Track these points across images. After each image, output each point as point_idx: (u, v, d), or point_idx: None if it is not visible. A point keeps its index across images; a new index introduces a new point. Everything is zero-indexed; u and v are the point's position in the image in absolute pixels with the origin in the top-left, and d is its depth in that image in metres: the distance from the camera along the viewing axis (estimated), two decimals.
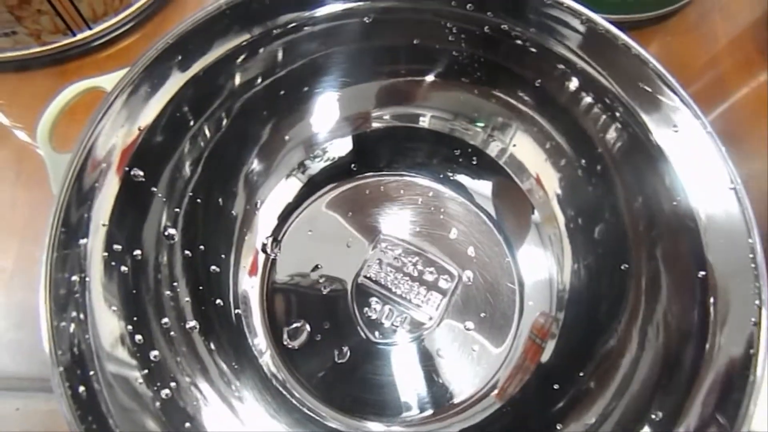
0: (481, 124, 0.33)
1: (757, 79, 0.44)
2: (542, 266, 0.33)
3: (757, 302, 0.23)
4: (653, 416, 0.24)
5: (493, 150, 0.34)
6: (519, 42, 0.30)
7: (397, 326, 0.32)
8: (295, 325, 0.32)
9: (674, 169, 0.27)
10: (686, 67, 0.43)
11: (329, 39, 0.30)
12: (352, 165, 0.35)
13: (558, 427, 0.27)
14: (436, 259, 0.33)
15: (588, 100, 0.29)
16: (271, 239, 0.33)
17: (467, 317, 0.32)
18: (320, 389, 0.31)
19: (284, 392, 0.30)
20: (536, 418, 0.28)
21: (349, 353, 0.31)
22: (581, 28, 0.28)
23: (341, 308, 0.32)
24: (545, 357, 0.30)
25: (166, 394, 0.25)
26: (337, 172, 0.35)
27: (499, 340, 0.32)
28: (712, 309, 0.24)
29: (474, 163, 0.35)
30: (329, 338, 0.32)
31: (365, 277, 0.33)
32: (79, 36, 0.40)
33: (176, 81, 0.26)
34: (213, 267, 0.31)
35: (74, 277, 0.23)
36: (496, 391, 0.30)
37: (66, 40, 0.39)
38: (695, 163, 0.26)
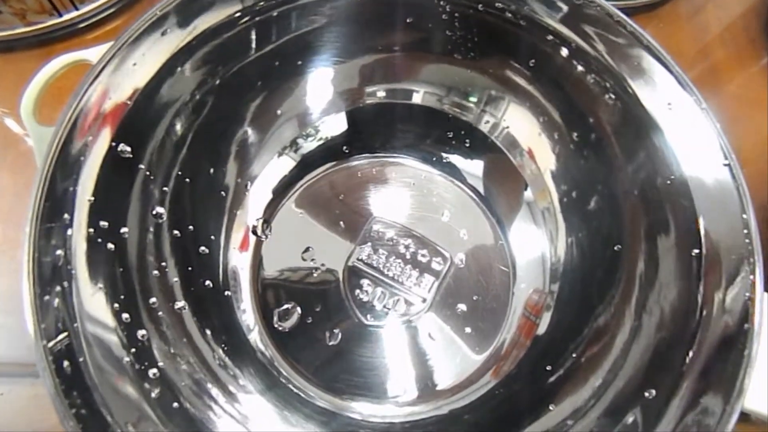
0: (474, 99, 0.33)
1: (748, 68, 0.44)
2: (535, 246, 0.33)
3: (751, 277, 0.23)
4: (647, 394, 0.24)
5: (485, 126, 0.34)
6: (513, 20, 0.29)
7: (389, 309, 0.32)
8: (285, 307, 0.31)
9: (669, 146, 0.27)
10: (679, 56, 0.43)
11: (322, 13, 0.30)
12: (344, 147, 0.35)
13: (551, 408, 0.27)
14: (428, 241, 0.33)
15: (583, 75, 0.29)
16: (261, 221, 0.33)
17: (460, 300, 0.32)
18: (312, 371, 0.30)
19: (276, 374, 0.30)
20: (528, 398, 0.28)
21: (340, 336, 0.31)
22: (577, 5, 0.28)
23: (333, 291, 0.32)
24: (540, 331, 0.30)
25: (154, 374, 0.25)
26: (329, 153, 0.34)
27: (492, 322, 0.32)
28: (706, 285, 0.24)
29: (467, 145, 0.35)
30: (320, 321, 0.31)
31: (357, 259, 0.33)
32: (66, 17, 0.39)
33: (164, 52, 0.26)
34: (202, 247, 0.30)
35: (59, 252, 0.23)
36: (491, 369, 0.30)
37: (52, 20, 0.39)
38: (690, 140, 0.26)
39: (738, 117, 0.42)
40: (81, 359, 0.21)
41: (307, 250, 0.33)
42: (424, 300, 0.32)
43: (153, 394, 0.24)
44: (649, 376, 0.24)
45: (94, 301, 0.23)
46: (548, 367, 0.29)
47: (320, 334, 0.31)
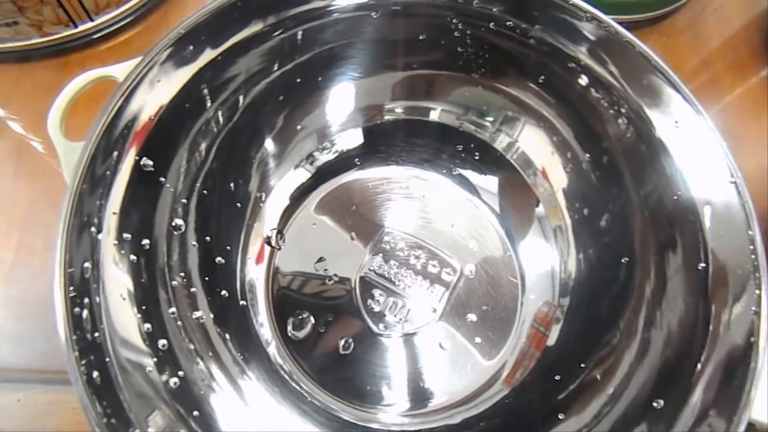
0: (490, 119, 0.34)
1: (749, 80, 0.45)
2: (544, 259, 0.34)
3: (757, 291, 0.24)
4: (655, 404, 0.25)
5: (500, 144, 0.35)
6: (524, 38, 0.30)
7: (400, 318, 0.32)
8: (300, 317, 0.32)
9: (676, 164, 0.28)
10: (681, 68, 0.44)
11: (341, 31, 0.31)
12: (357, 160, 0.35)
13: (560, 417, 0.28)
14: (439, 252, 0.34)
15: (592, 95, 0.30)
16: (275, 232, 0.34)
17: (470, 310, 0.33)
18: (325, 380, 0.31)
19: (290, 381, 0.30)
20: (538, 407, 0.29)
21: (353, 345, 0.32)
22: (585, 25, 0.29)
23: (345, 300, 0.33)
24: (550, 343, 0.31)
25: (175, 383, 0.25)
26: (343, 165, 0.35)
27: (502, 332, 0.32)
28: (713, 300, 0.25)
29: (477, 158, 0.35)
30: (333, 330, 0.32)
31: (369, 269, 0.33)
32: (81, 27, 0.40)
33: (188, 70, 0.27)
34: (219, 258, 0.31)
35: (87, 264, 0.23)
36: (502, 378, 0.31)
37: (68, 31, 0.39)
38: (697, 158, 0.27)
39: (738, 127, 0.42)
40: (110, 369, 0.22)
41: (320, 260, 0.33)
42: (435, 310, 0.33)
43: (175, 402, 0.25)
44: (658, 389, 0.25)
45: (119, 312, 0.24)
46: (557, 377, 0.29)
47: (333, 343, 0.32)
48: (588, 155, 0.31)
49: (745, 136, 0.42)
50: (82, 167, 0.23)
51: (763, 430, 0.24)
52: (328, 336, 0.32)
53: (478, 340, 0.32)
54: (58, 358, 0.22)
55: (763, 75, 0.45)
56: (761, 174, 0.40)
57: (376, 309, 0.32)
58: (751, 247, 0.24)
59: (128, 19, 0.41)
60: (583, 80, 0.30)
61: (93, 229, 0.24)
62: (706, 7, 0.47)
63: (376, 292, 0.33)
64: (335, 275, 0.33)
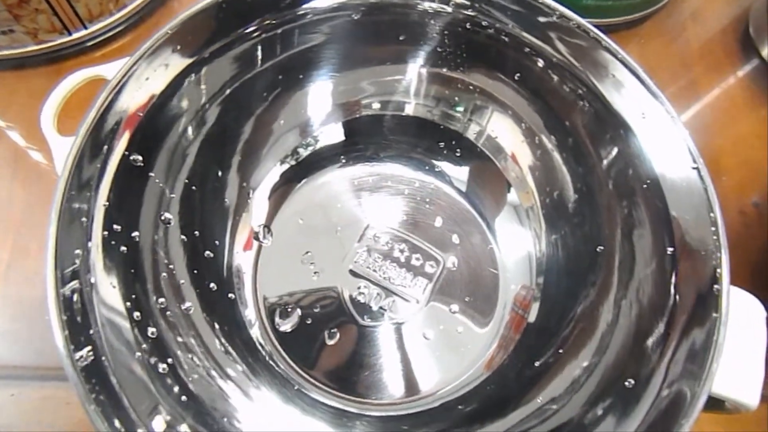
0: (461, 109, 0.35)
1: (726, 81, 0.46)
2: (521, 247, 0.35)
3: (718, 271, 0.25)
4: (626, 384, 0.26)
5: (471, 133, 0.36)
6: (498, 36, 0.32)
7: (384, 310, 0.33)
8: (286, 309, 0.33)
9: (642, 150, 0.29)
10: (660, 69, 0.46)
11: (322, 31, 0.32)
12: (341, 156, 0.37)
13: (539, 401, 0.29)
14: (422, 245, 0.35)
15: (561, 88, 0.31)
16: (262, 226, 0.35)
17: (452, 301, 0.34)
18: (311, 369, 0.32)
19: (276, 368, 0.31)
20: (516, 387, 0.30)
21: (338, 336, 0.33)
22: (557, 23, 0.30)
23: (331, 293, 0.34)
24: (528, 324, 0.32)
25: (164, 369, 0.26)
26: (327, 161, 0.36)
27: (484, 321, 0.33)
28: (678, 278, 0.26)
29: (458, 154, 0.37)
30: (319, 321, 0.33)
31: (354, 262, 0.34)
32: (75, 35, 0.41)
33: (175, 69, 0.28)
34: (207, 252, 0.32)
35: (78, 251, 0.24)
36: (483, 363, 0.32)
37: (62, 39, 0.40)
38: (661, 147, 0.28)
39: (715, 126, 0.44)
40: (99, 350, 0.23)
41: (306, 253, 0.34)
42: (418, 301, 0.34)
43: (165, 387, 0.25)
44: (628, 369, 0.26)
45: (109, 299, 0.25)
46: (537, 362, 0.30)
47: (319, 334, 0.32)
48: (555, 139, 0.33)
49: (722, 134, 0.44)
50: (74, 158, 0.24)
51: (732, 407, 0.25)
52: (314, 327, 0.33)
53: (460, 329, 0.33)
54: (52, 355, 0.22)
55: (739, 76, 0.46)
56: (738, 170, 0.42)
57: (361, 301, 0.33)
58: (713, 228, 0.26)
59: (121, 27, 0.42)
60: (553, 75, 0.31)
61: (84, 219, 0.25)
62: (684, 10, 0.49)
63: (361, 284, 0.34)
64: (321, 269, 0.34)
